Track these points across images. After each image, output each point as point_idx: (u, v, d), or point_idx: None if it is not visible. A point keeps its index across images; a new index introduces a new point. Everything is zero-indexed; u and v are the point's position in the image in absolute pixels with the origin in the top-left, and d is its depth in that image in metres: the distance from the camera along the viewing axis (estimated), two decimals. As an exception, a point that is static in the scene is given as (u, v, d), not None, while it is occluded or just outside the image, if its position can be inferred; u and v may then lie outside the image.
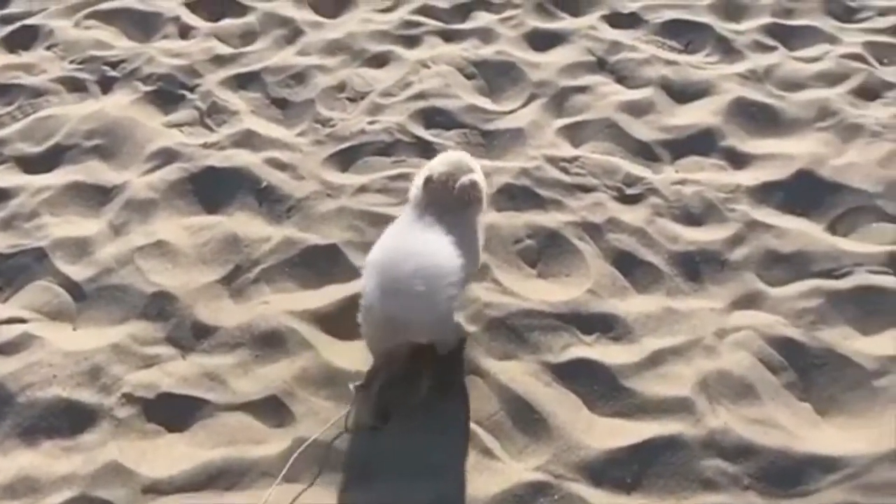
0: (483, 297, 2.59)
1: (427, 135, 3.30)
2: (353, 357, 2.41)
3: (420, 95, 3.47)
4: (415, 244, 2.13)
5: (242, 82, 3.63)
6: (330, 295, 2.62)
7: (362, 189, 3.01)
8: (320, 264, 2.73)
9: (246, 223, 2.91)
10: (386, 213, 2.88)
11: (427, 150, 3.20)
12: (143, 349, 2.49)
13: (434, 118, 3.37)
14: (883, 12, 4.00)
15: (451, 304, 2.13)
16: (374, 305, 2.09)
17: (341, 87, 3.57)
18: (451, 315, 2.32)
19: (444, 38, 3.89)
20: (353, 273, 2.67)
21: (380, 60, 3.75)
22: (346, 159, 3.19)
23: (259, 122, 3.41)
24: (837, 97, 3.44)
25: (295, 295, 2.65)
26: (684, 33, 3.91)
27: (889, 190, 2.96)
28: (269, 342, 2.48)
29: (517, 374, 2.38)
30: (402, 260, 2.05)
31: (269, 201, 3.00)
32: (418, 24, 3.96)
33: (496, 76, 3.64)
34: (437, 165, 2.40)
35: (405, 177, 3.06)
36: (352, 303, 2.56)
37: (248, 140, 3.28)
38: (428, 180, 2.35)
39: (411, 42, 3.87)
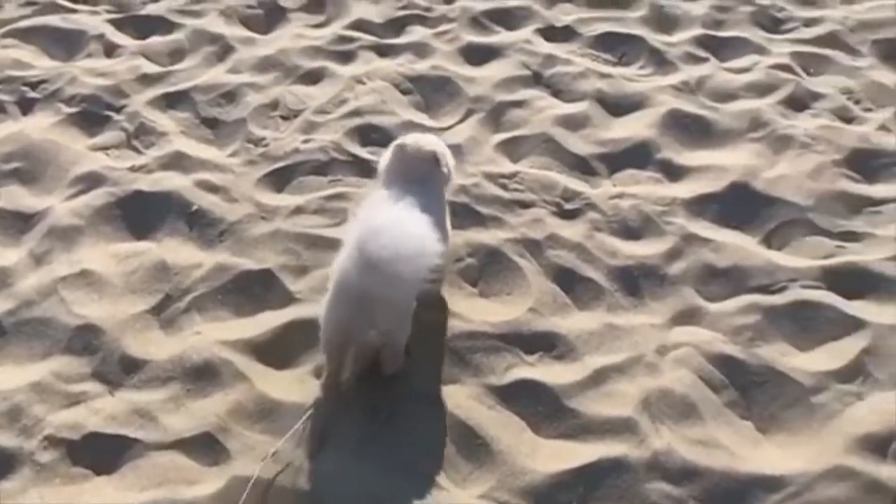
0: (424, 319, 2.54)
1: (363, 153, 3.24)
2: (290, 388, 2.33)
3: (355, 112, 3.41)
4: (391, 220, 2.10)
5: (171, 102, 3.52)
6: (265, 323, 2.53)
7: (298, 210, 2.94)
8: (254, 290, 2.65)
9: (176, 249, 2.81)
10: (323, 234, 2.81)
11: (364, 169, 3.15)
12: (68, 386, 2.37)
13: (370, 135, 3.32)
14: (808, 23, 4.10)
15: (421, 285, 2.10)
16: (351, 281, 2.08)
17: (274, 105, 3.49)
18: (412, 305, 2.31)
19: (379, 54, 3.84)
20: (288, 299, 2.59)
21: (313, 77, 3.68)
22: (280, 180, 3.11)
23: (189, 144, 3.30)
24: (768, 108, 3.50)
25: (228, 324, 2.56)
26: (618, 46, 3.93)
27: (819, 203, 3.01)
28: (202, 375, 2.38)
29: (460, 398, 2.33)
30: (380, 235, 2.04)
31: (201, 226, 2.90)
32: (352, 40, 3.91)
33: (432, 91, 3.61)
34: (407, 138, 2.55)
35: (342, 196, 3.00)
36: (288, 330, 2.50)
37: (177, 162, 3.17)
38: (400, 147, 2.50)
39: (345, 58, 3.81)
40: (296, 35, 3.94)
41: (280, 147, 3.24)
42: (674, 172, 3.21)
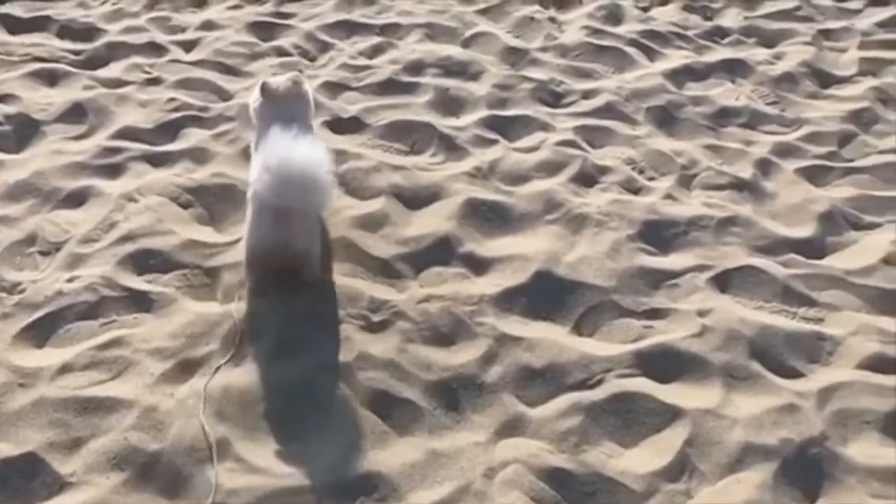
0: (224, 481, 2.23)
1: (140, 283, 2.89)
2: None
3: (128, 237, 3.05)
4: (294, 144, 2.52)
5: None
6: (30, 523, 2.13)
7: (65, 369, 2.53)
8: (15, 482, 2.22)
9: None
10: (97, 395, 2.44)
11: (142, 303, 2.81)
12: None
13: (147, 262, 2.97)
14: (586, 95, 4.23)
15: (327, 197, 2.63)
16: (269, 202, 2.51)
17: (31, 239, 3.06)
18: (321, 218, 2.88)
19: (152, 164, 3.51)
20: (58, 486, 2.19)
21: (77, 199, 3.28)
22: (41, 332, 2.69)
23: (-77, 298, 2.80)
24: (560, 187, 3.52)
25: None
26: (408, 134, 3.85)
27: (621, 283, 3.03)
28: None
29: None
30: (290, 157, 2.47)
31: (-58, 404, 2.43)
32: (120, 150, 3.54)
33: (216, 202, 3.32)
34: (268, 80, 2.97)
35: (119, 342, 2.64)
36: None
37: None
38: (265, 86, 2.92)
39: (113, 172, 3.44)
40: (53, 151, 3.51)
41: (40, 291, 2.81)
42: (478, 266, 3.12)
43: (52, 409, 2.40)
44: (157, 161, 3.51)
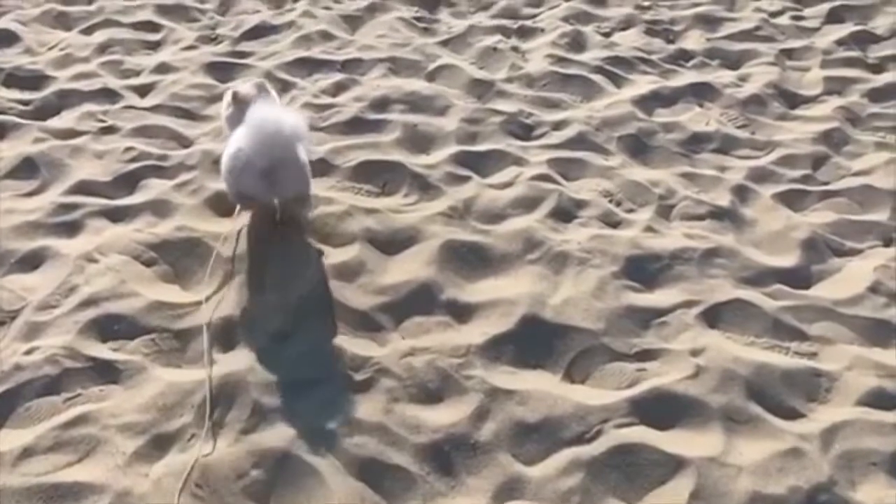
0: None
1: (105, 352, 2.71)
2: None
3: (89, 301, 2.87)
4: (273, 111, 2.93)
5: None
6: None
7: (27, 453, 2.34)
8: (-23, 589, 2.03)
9: None
10: (65, 480, 2.26)
11: (108, 373, 2.63)
12: None
13: (111, 328, 2.79)
14: (557, 126, 4.16)
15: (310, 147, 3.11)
16: (254, 161, 2.84)
17: (-18, 308, 2.86)
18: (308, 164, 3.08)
19: (111, 219, 3.32)
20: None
21: (32, 262, 3.08)
22: (-1, 413, 2.50)
23: None
24: (538, 224, 3.42)
25: None
26: (378, 174, 3.72)
27: (610, 324, 2.94)
28: None
29: None
30: (273, 120, 2.83)
31: None
32: (76, 206, 3.35)
33: (181, 257, 3.15)
34: (236, 87, 3.23)
35: (85, 419, 2.45)
36: None
37: None
38: (235, 95, 3.16)
39: (70, 230, 3.25)
40: (4, 211, 3.31)
41: (-5, 367, 2.63)
42: (462, 313, 3.00)
43: (13, 501, 2.21)
44: (116, 216, 3.33)
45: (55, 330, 2.77)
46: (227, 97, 3.21)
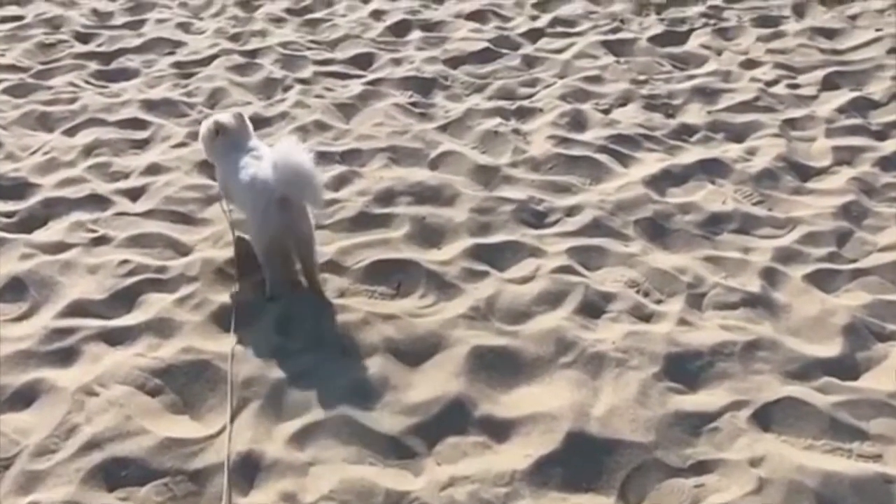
0: None
1: (113, 503, 2.43)
2: None
3: (92, 444, 2.60)
4: (291, 150, 3.04)
5: None
6: None
7: None
8: None
9: None
10: None
11: (121, 528, 2.35)
12: None
13: (118, 474, 2.52)
14: (569, 212, 4.00)
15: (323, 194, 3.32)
16: (280, 191, 3.04)
17: (-28, 458, 2.58)
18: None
19: (110, 342, 3.07)
20: None
21: (26, 398, 2.81)
22: (-4, 590, 2.21)
23: None
24: (566, 322, 3.23)
25: None
26: (391, 274, 3.52)
27: (660, 436, 2.72)
28: None
29: None
30: (295, 156, 2.99)
31: None
32: (71, 331, 3.10)
33: (188, 383, 2.90)
34: (218, 118, 3.47)
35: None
36: None
37: None
38: (218, 124, 3.43)
39: (65, 358, 3.00)
40: (-9, 339, 3.05)
41: (-10, 531, 2.34)
42: (499, 430, 2.77)
43: None
44: (115, 339, 3.08)
45: (55, 480, 2.49)
46: (210, 126, 3.45)
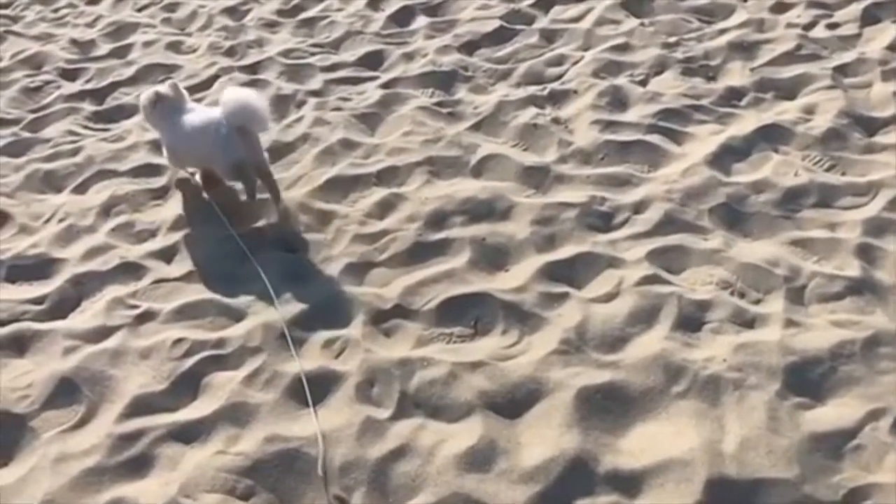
0: None
1: None
2: None
3: (196, 572, 2.35)
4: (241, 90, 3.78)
5: None
6: None
7: None
8: None
9: None
10: None
11: None
12: None
13: None
14: (637, 209, 3.71)
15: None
16: (238, 123, 3.58)
17: None
18: None
19: (184, 441, 2.78)
20: None
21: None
22: None
23: None
24: (668, 342, 2.97)
25: None
26: (465, 311, 3.24)
27: (804, 468, 2.48)
28: None
29: None
30: (239, 93, 3.66)
31: None
32: (139, 434, 2.79)
33: (281, 478, 2.64)
34: (156, 88, 3.89)
35: None
36: None
37: None
38: (158, 94, 3.85)
39: (139, 468, 2.70)
40: (55, 459, 2.71)
41: None
42: (630, 486, 2.53)
43: None
44: (188, 436, 2.80)
45: None
46: (149, 96, 3.84)
